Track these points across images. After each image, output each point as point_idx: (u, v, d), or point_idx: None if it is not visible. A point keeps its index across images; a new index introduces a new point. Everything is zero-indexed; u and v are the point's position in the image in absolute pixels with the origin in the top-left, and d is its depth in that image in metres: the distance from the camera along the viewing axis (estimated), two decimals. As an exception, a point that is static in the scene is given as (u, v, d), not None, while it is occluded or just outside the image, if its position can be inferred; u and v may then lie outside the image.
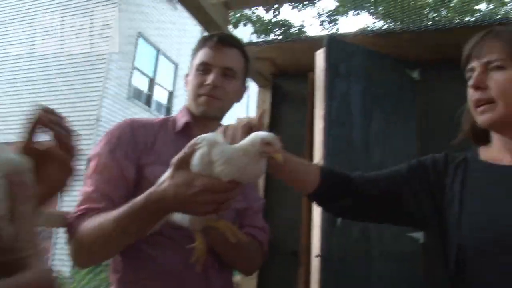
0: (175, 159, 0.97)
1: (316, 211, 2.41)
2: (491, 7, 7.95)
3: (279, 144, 0.93)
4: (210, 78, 1.33)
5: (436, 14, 7.61)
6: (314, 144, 2.57)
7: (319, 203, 1.19)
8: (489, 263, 0.95)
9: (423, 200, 1.10)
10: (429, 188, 1.11)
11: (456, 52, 2.96)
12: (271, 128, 3.25)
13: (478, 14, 7.82)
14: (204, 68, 1.35)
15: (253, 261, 1.35)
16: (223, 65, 1.35)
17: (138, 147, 1.28)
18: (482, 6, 8.05)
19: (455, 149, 1.17)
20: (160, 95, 13.21)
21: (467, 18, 7.29)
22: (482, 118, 1.04)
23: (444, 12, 7.65)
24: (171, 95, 13.60)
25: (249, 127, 1.00)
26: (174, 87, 13.64)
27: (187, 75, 1.44)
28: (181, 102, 13.38)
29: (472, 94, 1.06)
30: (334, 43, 2.70)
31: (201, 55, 1.36)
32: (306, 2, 6.70)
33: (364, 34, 3.01)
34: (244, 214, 1.39)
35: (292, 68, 3.32)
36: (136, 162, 1.26)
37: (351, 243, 2.45)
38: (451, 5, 7.58)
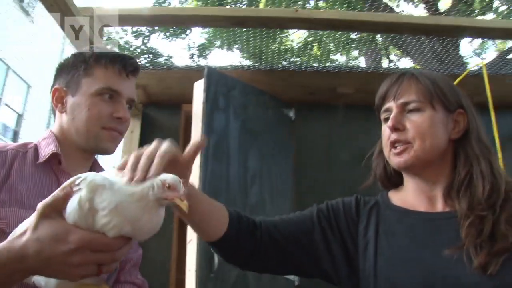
0: (41, 204, 0.72)
1: (190, 255, 2.19)
2: (344, 58, 8.81)
3: (182, 188, 0.72)
4: (122, 111, 1.11)
5: (298, 59, 8.10)
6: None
7: (221, 252, 1.02)
8: None
9: (333, 248, 1.01)
10: (340, 235, 1.02)
11: (326, 95, 3.09)
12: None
13: (335, 63, 8.55)
14: (109, 95, 1.11)
15: None
16: (130, 97, 1.15)
17: None
18: (338, 57, 8.84)
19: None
20: (6, 117, 11.75)
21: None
22: (398, 159, 0.99)
23: (305, 59, 8.18)
24: (20, 117, 12.18)
25: (172, 160, 0.76)
26: (25, 109, 12.27)
27: (56, 89, 1.15)
28: (33, 127, 12.07)
29: (388, 135, 1.01)
30: (214, 75, 2.59)
31: (106, 78, 1.11)
32: (178, 32, 6.61)
33: (243, 69, 2.96)
34: (121, 267, 1.14)
35: (165, 98, 3.13)
36: None
37: (228, 289, 2.28)
38: (312, 53, 8.13)
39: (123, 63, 1.13)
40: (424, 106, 0.98)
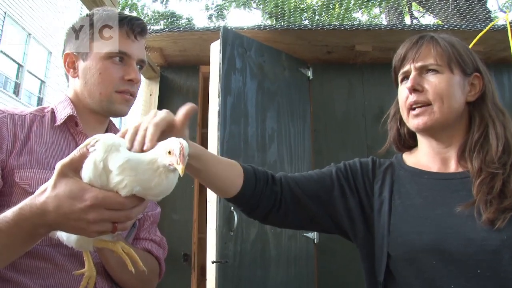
0: (59, 164, 0.75)
1: (211, 214, 2.25)
2: (366, 17, 8.61)
3: (182, 152, 0.72)
4: (132, 73, 1.12)
5: (317, 18, 7.95)
6: (208, 141, 2.40)
7: (241, 207, 1.05)
8: (418, 270, 0.92)
9: (351, 205, 1.05)
10: (358, 194, 1.06)
11: (344, 53, 3.03)
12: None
13: (355, 21, 8.37)
14: (119, 58, 1.11)
15: (149, 283, 1.16)
16: (140, 57, 1.15)
17: (4, 144, 1.00)
18: (359, 15, 8.65)
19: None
20: (30, 84, 11.97)
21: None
22: (417, 121, 1.01)
23: (325, 18, 8.02)
24: (43, 84, 12.40)
25: (168, 126, 0.78)
26: (47, 76, 12.47)
27: (67, 55, 1.15)
28: (55, 93, 12.29)
29: (407, 96, 1.02)
30: (230, 35, 2.56)
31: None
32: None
33: (259, 29, 2.91)
34: (140, 224, 1.19)
35: (182, 60, 3.13)
36: (2, 164, 0.98)
37: (248, 247, 2.35)
38: (333, 11, 7.95)
39: (130, 25, 1.12)
40: (443, 69, 1.00)
